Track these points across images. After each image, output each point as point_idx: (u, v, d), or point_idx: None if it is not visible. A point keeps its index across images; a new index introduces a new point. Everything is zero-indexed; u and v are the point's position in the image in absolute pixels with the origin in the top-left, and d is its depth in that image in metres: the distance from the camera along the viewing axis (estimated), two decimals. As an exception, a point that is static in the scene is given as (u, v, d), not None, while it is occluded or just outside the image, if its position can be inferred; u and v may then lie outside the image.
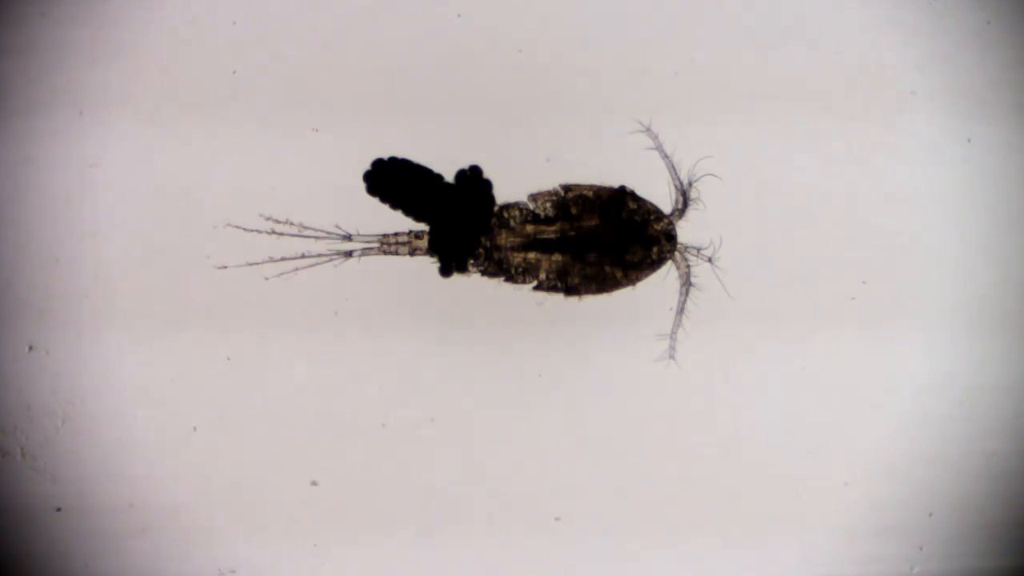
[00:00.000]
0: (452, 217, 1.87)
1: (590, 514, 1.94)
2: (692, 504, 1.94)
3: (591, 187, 1.88)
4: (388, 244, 1.90)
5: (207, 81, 1.96)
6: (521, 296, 1.90)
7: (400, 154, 1.88)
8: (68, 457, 1.93)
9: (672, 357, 1.89)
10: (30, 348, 1.93)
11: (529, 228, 1.87)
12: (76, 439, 1.93)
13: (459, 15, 1.98)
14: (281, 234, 1.91)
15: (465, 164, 1.88)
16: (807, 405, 1.96)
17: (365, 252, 1.90)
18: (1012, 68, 1.99)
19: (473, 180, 1.87)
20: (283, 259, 1.90)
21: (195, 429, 1.93)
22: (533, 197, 1.89)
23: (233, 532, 1.93)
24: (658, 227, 1.87)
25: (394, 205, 1.87)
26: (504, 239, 1.87)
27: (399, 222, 1.89)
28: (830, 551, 1.95)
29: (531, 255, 1.87)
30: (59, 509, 1.92)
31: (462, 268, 1.88)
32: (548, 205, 1.88)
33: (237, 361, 1.94)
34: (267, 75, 1.97)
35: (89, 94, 1.96)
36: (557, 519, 1.94)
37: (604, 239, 1.86)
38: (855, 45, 1.99)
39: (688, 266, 1.88)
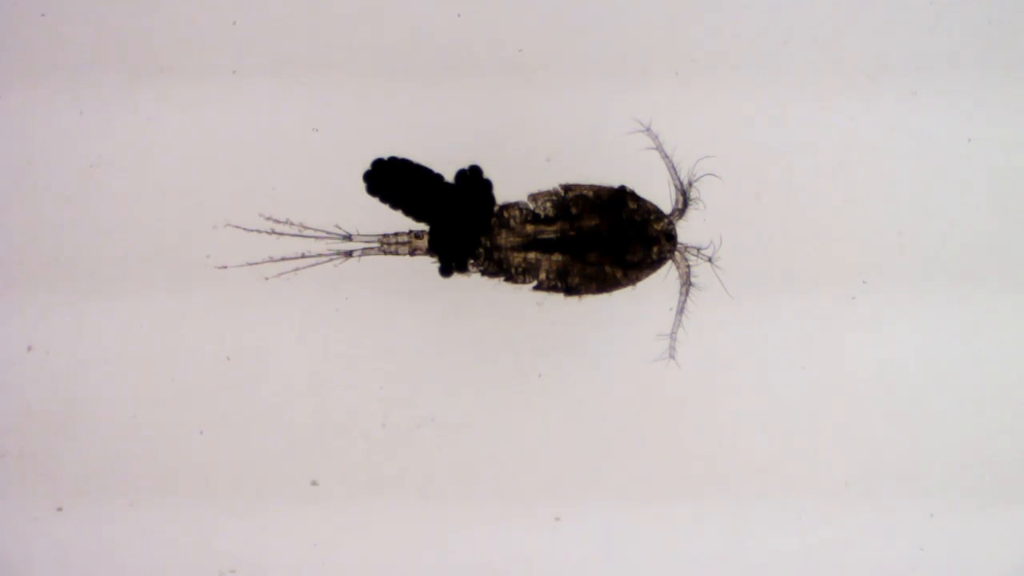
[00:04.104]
0: (452, 217, 1.86)
1: (590, 514, 1.94)
2: (692, 504, 1.94)
3: (591, 187, 1.88)
4: (388, 244, 1.90)
5: (207, 81, 1.96)
6: (521, 296, 1.90)
7: (400, 154, 1.88)
8: (68, 457, 1.93)
9: (672, 357, 1.89)
10: (30, 348, 1.93)
11: (529, 228, 1.87)
12: (76, 439, 1.93)
13: (459, 15, 1.98)
14: (281, 234, 1.91)
15: (465, 164, 1.88)
16: (807, 405, 1.95)
17: (365, 252, 1.90)
18: (1012, 68, 1.99)
19: (473, 180, 1.87)
20: (283, 259, 1.90)
21: (201, 433, 1.93)
22: (533, 197, 1.89)
23: (233, 533, 1.93)
24: (658, 227, 1.87)
25: (394, 205, 1.87)
26: (504, 239, 1.87)
27: (399, 222, 1.89)
28: (830, 551, 1.95)
29: (531, 255, 1.87)
30: (59, 509, 1.92)
31: (462, 268, 1.88)
32: (548, 205, 1.88)
33: (237, 361, 1.94)
34: (267, 75, 1.97)
35: (89, 94, 1.96)
36: (557, 519, 1.94)
37: (604, 239, 1.86)
38: (856, 46, 1.99)
39: (688, 266, 1.88)
